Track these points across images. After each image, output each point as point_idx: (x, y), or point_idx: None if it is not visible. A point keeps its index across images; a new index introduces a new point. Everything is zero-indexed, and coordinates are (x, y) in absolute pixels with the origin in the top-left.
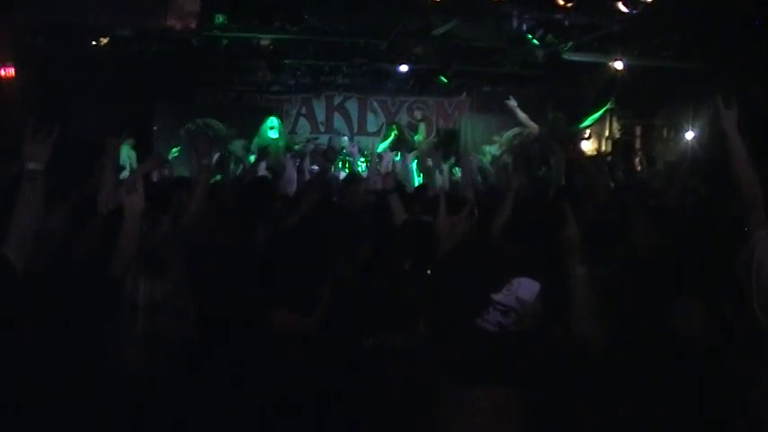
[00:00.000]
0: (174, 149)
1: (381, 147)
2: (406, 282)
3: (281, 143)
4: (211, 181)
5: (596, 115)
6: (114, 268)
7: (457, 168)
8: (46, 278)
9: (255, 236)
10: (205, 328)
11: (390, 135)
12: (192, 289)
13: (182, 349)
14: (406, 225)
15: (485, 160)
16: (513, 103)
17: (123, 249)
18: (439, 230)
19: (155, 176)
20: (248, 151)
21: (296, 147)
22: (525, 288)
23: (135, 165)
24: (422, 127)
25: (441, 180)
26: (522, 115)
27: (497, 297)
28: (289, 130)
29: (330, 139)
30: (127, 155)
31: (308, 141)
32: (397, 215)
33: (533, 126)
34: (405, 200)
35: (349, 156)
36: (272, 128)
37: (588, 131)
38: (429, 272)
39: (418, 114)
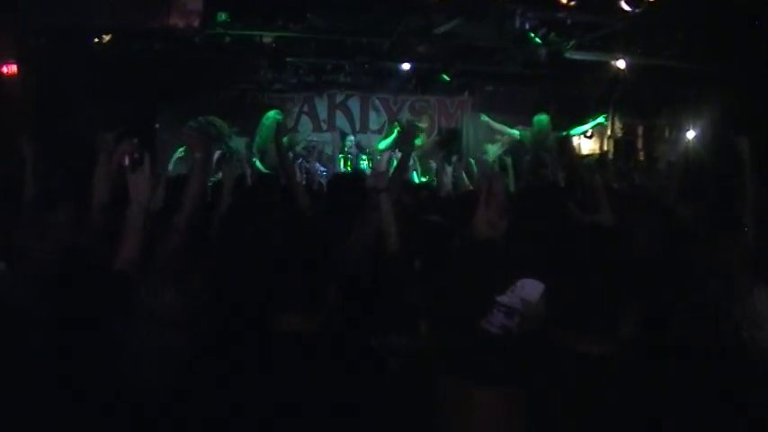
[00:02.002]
0: (179, 149)
1: (383, 144)
2: (414, 281)
3: (284, 140)
4: (212, 179)
5: (585, 127)
6: (120, 259)
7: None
8: (55, 277)
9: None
10: (218, 333)
11: (393, 133)
12: (209, 297)
13: (196, 358)
14: (417, 224)
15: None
16: (485, 118)
17: (127, 240)
18: (477, 230)
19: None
20: (251, 149)
21: (297, 148)
22: (530, 289)
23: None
24: (423, 136)
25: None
26: (497, 126)
27: (501, 299)
28: (291, 129)
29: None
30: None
31: (309, 142)
32: (384, 215)
33: (512, 133)
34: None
35: (350, 154)
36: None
37: (590, 131)
38: (438, 272)
39: (423, 121)
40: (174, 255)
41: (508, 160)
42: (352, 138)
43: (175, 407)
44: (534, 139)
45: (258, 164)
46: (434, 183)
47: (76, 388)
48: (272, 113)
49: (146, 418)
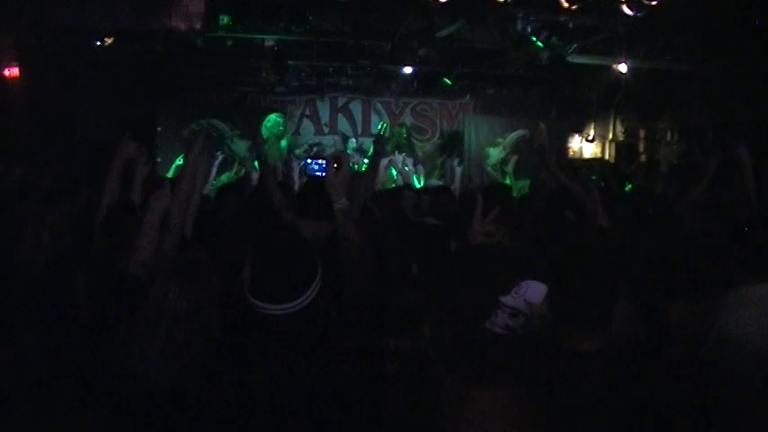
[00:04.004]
0: (179, 156)
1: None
2: (412, 285)
3: (283, 143)
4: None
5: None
6: (135, 261)
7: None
8: (51, 277)
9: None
10: (228, 337)
11: (396, 135)
12: (220, 300)
13: (203, 360)
14: (413, 228)
15: (492, 162)
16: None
17: (143, 243)
18: (473, 236)
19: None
20: (252, 152)
21: (297, 151)
22: (533, 290)
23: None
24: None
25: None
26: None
27: (505, 299)
28: (292, 131)
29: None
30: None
31: (310, 146)
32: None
33: None
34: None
35: (352, 159)
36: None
37: (592, 134)
38: (436, 275)
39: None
40: (171, 253)
41: (508, 168)
42: (354, 140)
43: (185, 400)
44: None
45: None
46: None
47: (87, 384)
48: (272, 116)
49: (155, 413)
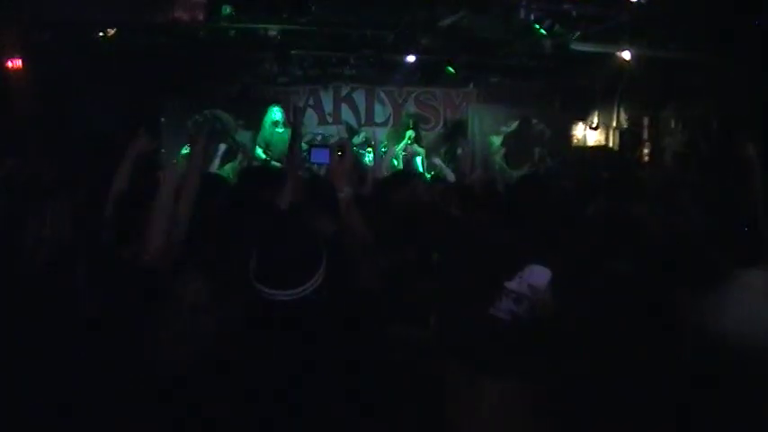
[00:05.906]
0: (185, 147)
1: (399, 146)
2: (426, 274)
3: (286, 136)
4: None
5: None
6: (150, 248)
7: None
8: (52, 270)
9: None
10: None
11: (406, 135)
12: (240, 290)
13: (221, 350)
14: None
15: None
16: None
17: (152, 232)
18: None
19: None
20: (255, 143)
21: (302, 141)
22: (537, 275)
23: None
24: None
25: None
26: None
27: (510, 285)
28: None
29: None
30: None
31: (314, 136)
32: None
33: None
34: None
35: (359, 149)
36: (275, 122)
37: (596, 122)
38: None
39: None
40: (178, 246)
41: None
42: (363, 132)
43: (206, 389)
44: None
45: (262, 154)
46: (442, 176)
47: (110, 375)
48: (273, 108)
49: (177, 403)
